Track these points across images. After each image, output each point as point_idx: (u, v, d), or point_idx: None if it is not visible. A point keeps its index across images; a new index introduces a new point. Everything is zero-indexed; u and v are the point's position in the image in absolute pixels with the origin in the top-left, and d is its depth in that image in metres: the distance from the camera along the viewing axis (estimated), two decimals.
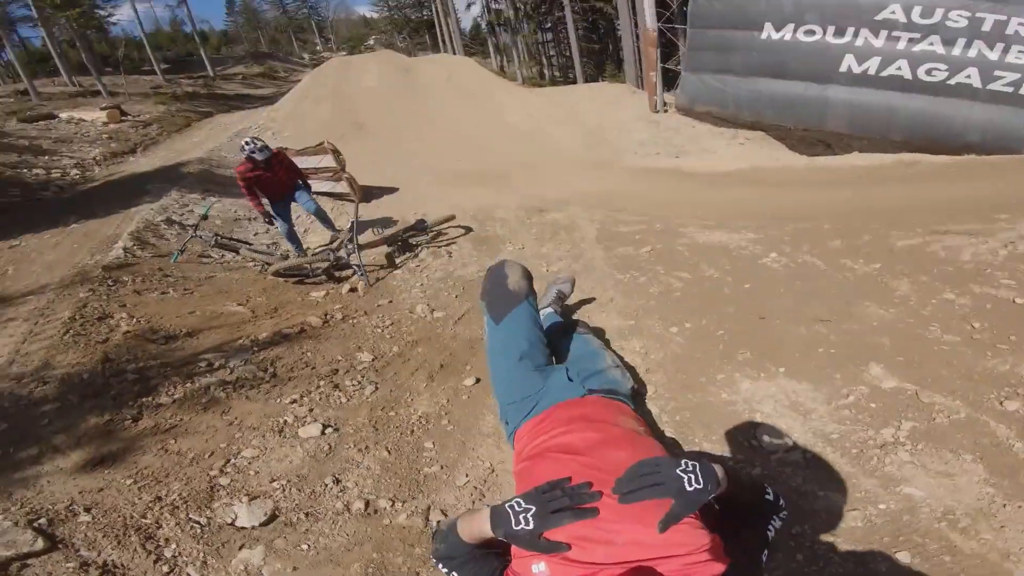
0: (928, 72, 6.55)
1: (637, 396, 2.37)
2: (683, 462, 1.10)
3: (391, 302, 4.00)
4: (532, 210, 5.80)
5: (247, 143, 4.92)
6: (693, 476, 1.07)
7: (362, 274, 4.41)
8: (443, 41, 29.31)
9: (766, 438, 2.13)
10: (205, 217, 5.65)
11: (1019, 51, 5.97)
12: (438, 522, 1.96)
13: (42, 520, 2.00)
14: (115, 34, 31.35)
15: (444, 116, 11.62)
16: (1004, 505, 1.70)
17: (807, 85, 7.46)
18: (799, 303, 3.06)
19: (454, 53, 24.92)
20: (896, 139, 6.95)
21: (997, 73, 6.13)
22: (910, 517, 1.73)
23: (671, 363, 2.70)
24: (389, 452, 2.34)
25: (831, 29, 7.11)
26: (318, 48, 49.05)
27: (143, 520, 2.02)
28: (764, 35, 7.65)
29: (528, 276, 2.07)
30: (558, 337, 2.28)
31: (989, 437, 1.96)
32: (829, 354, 2.57)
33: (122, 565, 1.85)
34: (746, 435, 2.18)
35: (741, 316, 3.03)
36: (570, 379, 1.83)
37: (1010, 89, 6.09)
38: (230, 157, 9.73)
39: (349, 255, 4.57)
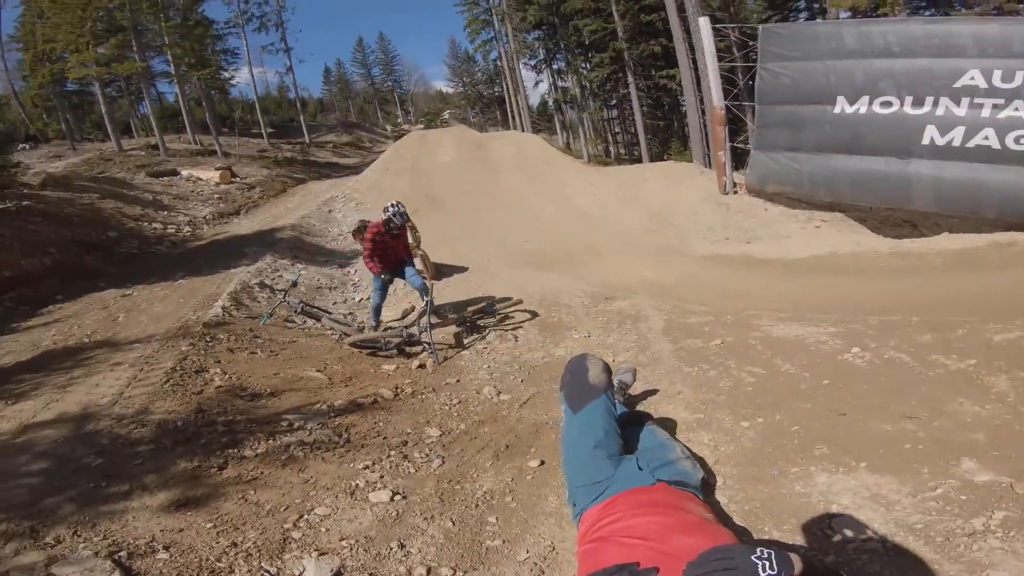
0: (1017, 140, 6.10)
1: (707, 487, 2.30)
2: (759, 550, 1.10)
3: (459, 381, 4.14)
4: (598, 297, 5.83)
5: (392, 205, 5.08)
6: (768, 563, 1.07)
7: (431, 352, 4.58)
8: (512, 117, 31.05)
9: (842, 528, 2.04)
10: (294, 284, 6.05)
11: None
12: None
13: (122, 553, 2.11)
14: (233, 95, 35.30)
15: (513, 194, 11.99)
16: None
17: (887, 160, 7.08)
18: (884, 400, 2.90)
19: (523, 129, 26.24)
20: (989, 216, 6.45)
21: None
22: None
23: (742, 456, 2.62)
24: (453, 523, 2.38)
25: (908, 99, 6.78)
26: (399, 120, 53.02)
27: (217, 563, 2.10)
28: (837, 109, 7.38)
29: (608, 371, 2.19)
30: (627, 429, 2.30)
31: None
32: (916, 450, 2.43)
33: None
34: (820, 525, 2.09)
35: (819, 412, 2.90)
36: (640, 468, 1.85)
37: None
38: (318, 226, 10.55)
39: (420, 332, 4.77)
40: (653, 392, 3.46)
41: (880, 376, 3.21)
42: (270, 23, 29.61)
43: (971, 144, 6.41)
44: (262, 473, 2.77)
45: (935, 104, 6.61)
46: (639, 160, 19.55)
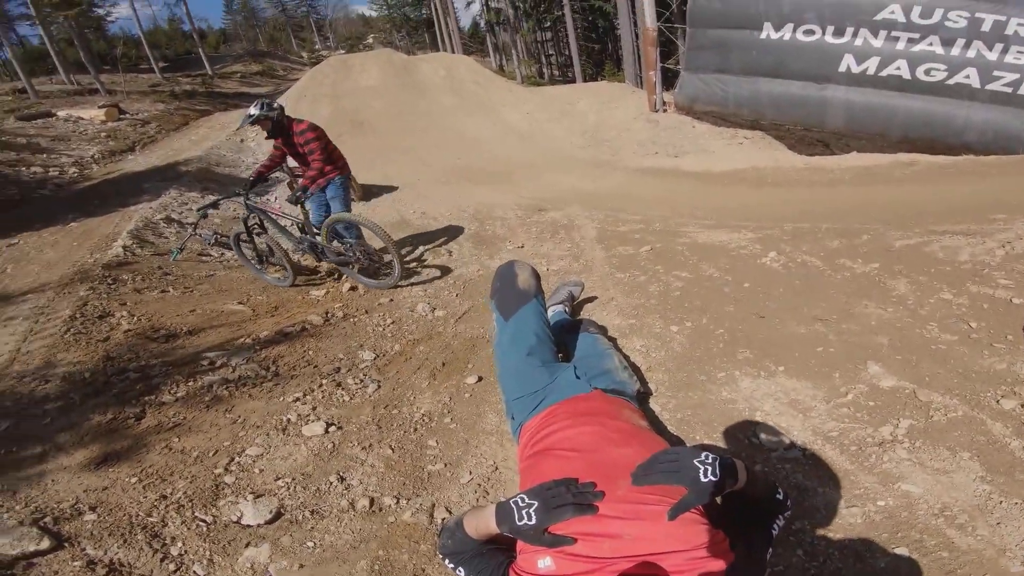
0: (927, 72, 6.59)
1: (643, 398, 2.38)
2: (703, 454, 1.10)
3: (392, 300, 4.00)
4: (531, 209, 5.81)
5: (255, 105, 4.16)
6: (710, 468, 1.07)
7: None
8: (442, 40, 29.18)
9: (766, 436, 2.14)
10: (204, 215, 5.65)
11: (1018, 51, 5.99)
12: (443, 519, 1.97)
13: (47, 519, 1.99)
14: (113, 32, 31.50)
15: (444, 115, 11.60)
16: (1000, 502, 1.72)
17: (805, 85, 7.50)
18: (798, 302, 3.08)
19: (453, 52, 24.81)
20: (895, 138, 6.97)
21: (996, 73, 6.16)
22: (908, 514, 1.75)
23: (672, 362, 2.72)
24: (393, 450, 2.35)
25: (830, 29, 7.14)
26: (317, 47, 48.88)
27: (149, 519, 2.01)
28: (763, 35, 7.69)
29: (536, 276, 2.14)
30: (566, 335, 2.31)
31: (986, 435, 1.98)
32: (828, 353, 2.59)
33: (128, 564, 1.83)
34: (746, 433, 2.19)
35: (741, 315, 3.05)
36: (577, 376, 1.85)
37: (1009, 90, 6.13)
38: (229, 156, 9.72)
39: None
40: (590, 299, 3.50)
41: (794, 279, 3.39)
42: None
43: (884, 73, 6.89)
44: (185, 418, 2.62)
45: (854, 35, 6.99)
46: (573, 81, 19.08)
